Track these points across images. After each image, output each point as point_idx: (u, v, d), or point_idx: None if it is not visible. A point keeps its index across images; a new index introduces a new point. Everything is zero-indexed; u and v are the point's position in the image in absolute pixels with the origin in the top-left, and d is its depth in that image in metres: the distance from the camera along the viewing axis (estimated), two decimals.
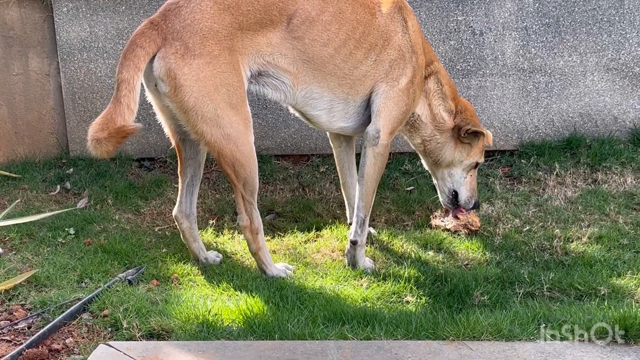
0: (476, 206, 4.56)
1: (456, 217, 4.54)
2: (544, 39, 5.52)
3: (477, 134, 4.40)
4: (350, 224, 4.29)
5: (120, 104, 3.53)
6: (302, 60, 3.88)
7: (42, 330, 3.39)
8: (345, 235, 4.42)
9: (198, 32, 3.63)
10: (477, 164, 4.54)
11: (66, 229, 4.55)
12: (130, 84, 3.55)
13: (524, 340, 3.12)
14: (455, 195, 4.52)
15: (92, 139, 3.49)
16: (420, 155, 4.58)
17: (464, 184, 4.50)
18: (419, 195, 5.08)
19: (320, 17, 3.89)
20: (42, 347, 3.29)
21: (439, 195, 4.62)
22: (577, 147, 5.53)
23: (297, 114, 4.23)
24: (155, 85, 3.69)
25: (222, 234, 4.61)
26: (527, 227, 4.52)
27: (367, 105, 4.12)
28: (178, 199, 4.14)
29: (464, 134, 4.37)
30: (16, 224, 4.51)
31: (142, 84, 3.66)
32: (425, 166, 4.63)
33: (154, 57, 3.63)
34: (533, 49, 5.53)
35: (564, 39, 5.52)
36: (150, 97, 3.83)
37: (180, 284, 3.90)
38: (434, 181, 4.64)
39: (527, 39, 5.52)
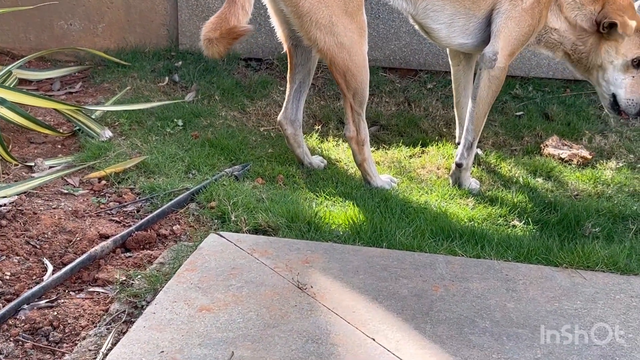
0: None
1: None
2: None
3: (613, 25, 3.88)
4: (458, 143, 4.18)
5: (235, 4, 3.49)
6: None
7: (150, 215, 3.45)
8: (452, 154, 4.34)
9: None
10: (637, 60, 3.99)
11: (174, 120, 4.56)
12: None
13: None
14: (614, 97, 4.06)
15: (205, 38, 3.49)
16: (568, 65, 4.23)
17: (623, 86, 4.01)
18: (528, 121, 4.93)
19: None
20: (150, 230, 3.35)
21: (601, 100, 4.20)
22: None
23: (416, 26, 4.10)
24: None
25: (326, 140, 4.57)
26: None
27: (489, 22, 3.91)
28: (284, 104, 4.11)
29: (603, 29, 3.90)
30: (126, 110, 4.57)
31: None
32: (577, 75, 4.27)
33: None
34: None
35: None
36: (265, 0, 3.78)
37: (284, 185, 3.91)
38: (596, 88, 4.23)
39: None
